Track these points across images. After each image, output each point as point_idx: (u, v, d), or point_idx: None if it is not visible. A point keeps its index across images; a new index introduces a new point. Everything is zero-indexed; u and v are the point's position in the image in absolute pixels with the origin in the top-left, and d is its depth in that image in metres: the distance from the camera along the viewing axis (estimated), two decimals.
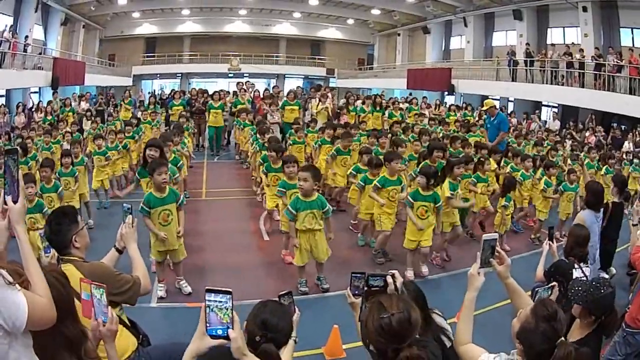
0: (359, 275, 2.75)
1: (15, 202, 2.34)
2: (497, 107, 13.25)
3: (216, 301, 1.97)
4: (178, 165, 7.83)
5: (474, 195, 8.50)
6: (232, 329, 1.99)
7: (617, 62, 17.44)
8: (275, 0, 33.26)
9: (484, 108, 13.01)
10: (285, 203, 6.96)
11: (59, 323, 2.26)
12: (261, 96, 16.52)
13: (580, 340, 3.45)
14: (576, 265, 4.56)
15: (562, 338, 2.50)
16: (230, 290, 1.95)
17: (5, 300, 2.06)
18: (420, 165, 8.07)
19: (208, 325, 1.98)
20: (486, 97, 25.96)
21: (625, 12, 19.71)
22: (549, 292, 3.74)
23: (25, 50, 21.12)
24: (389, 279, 2.56)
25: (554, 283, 3.87)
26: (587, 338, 3.39)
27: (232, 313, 1.98)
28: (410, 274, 7.10)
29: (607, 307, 3.31)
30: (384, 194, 7.56)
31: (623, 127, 18.24)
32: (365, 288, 2.57)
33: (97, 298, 2.65)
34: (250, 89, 18.32)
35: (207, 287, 1.97)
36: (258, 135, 10.73)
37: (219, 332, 1.98)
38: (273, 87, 19.79)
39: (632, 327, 4.33)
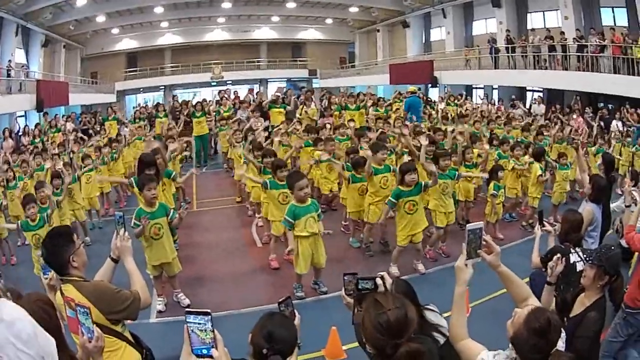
0: (350, 276, 2.76)
1: None
2: (417, 92, 16.82)
3: (196, 323, 2.00)
4: (172, 176, 7.92)
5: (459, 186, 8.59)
6: (215, 348, 2.01)
7: (599, 43, 17.45)
8: (253, 5, 33.00)
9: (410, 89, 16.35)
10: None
11: None
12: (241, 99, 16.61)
13: (589, 307, 3.57)
14: (572, 250, 4.64)
15: (557, 347, 2.49)
16: (208, 311, 1.98)
17: (44, 336, 2.22)
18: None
19: (192, 345, 2.01)
20: (470, 87, 26.28)
21: None
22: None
23: (8, 75, 20.96)
24: (379, 281, 2.58)
25: (558, 255, 3.93)
26: (595, 304, 3.62)
27: (213, 333, 2.00)
28: (395, 270, 7.12)
29: (618, 265, 3.68)
30: (375, 182, 7.73)
31: (610, 106, 18.27)
32: (356, 292, 2.58)
33: (82, 317, 2.68)
34: (233, 95, 18.31)
35: (186, 310, 2.01)
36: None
37: (204, 351, 2.01)
38: (256, 93, 19.65)
39: (632, 307, 4.38)
